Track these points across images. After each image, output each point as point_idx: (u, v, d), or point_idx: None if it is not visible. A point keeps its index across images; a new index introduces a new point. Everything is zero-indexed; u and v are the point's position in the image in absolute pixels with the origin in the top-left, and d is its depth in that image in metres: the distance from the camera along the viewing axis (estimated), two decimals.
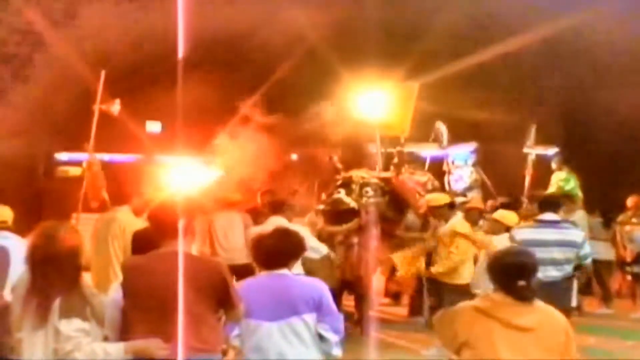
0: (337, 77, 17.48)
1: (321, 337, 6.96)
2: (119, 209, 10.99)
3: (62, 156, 19.14)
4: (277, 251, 7.11)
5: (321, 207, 14.79)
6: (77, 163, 16.02)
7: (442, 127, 17.79)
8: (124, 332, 6.23)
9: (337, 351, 7.10)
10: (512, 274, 6.02)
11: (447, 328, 6.28)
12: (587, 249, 11.40)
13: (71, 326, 5.80)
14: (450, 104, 18.85)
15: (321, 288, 7.11)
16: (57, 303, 5.85)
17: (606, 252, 16.93)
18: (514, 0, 19.67)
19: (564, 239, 11.15)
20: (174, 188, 12.85)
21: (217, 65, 20.02)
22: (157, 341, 5.98)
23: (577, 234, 11.49)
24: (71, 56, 17.28)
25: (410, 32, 19.78)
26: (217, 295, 6.36)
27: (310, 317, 6.92)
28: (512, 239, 11.15)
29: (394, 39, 19.34)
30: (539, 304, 6.08)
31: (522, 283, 5.98)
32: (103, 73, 14.75)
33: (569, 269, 11.21)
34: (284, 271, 7.09)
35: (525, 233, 11.25)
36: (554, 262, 10.92)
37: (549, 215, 11.35)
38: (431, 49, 19.13)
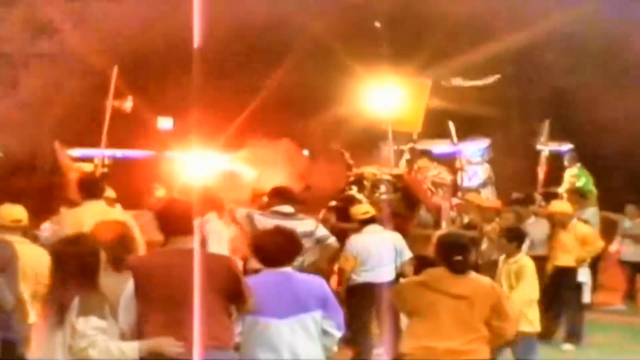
0: (350, 72, 17.44)
1: (325, 333, 7.00)
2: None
3: (74, 152, 19.09)
4: (281, 249, 7.10)
5: (333, 203, 14.74)
6: (89, 159, 15.98)
7: (450, 125, 17.72)
8: (137, 329, 6.22)
9: (336, 346, 7.32)
10: (450, 250, 7.29)
11: (399, 298, 7.78)
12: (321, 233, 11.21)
13: (88, 324, 5.83)
14: (463, 100, 18.80)
15: (324, 284, 7.24)
16: (76, 301, 5.86)
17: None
18: None
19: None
20: (185, 184, 12.83)
21: (228, 59, 19.97)
22: (171, 339, 5.97)
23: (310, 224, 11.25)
24: (83, 51, 17.29)
25: (422, 28, 19.72)
26: (229, 290, 6.37)
27: (317, 314, 6.95)
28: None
29: (407, 35, 19.30)
30: (472, 275, 7.38)
31: (458, 258, 7.24)
32: (115, 69, 14.75)
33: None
34: (287, 269, 7.08)
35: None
36: None
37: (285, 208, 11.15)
38: (444, 44, 19.07)
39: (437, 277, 7.28)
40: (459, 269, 7.26)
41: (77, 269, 6.00)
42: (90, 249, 6.12)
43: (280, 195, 11.37)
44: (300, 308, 6.90)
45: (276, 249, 7.08)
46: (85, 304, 5.88)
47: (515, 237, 11.12)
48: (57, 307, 5.93)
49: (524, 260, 10.89)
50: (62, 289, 5.98)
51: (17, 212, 9.17)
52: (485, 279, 7.50)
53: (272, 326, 6.83)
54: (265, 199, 12.00)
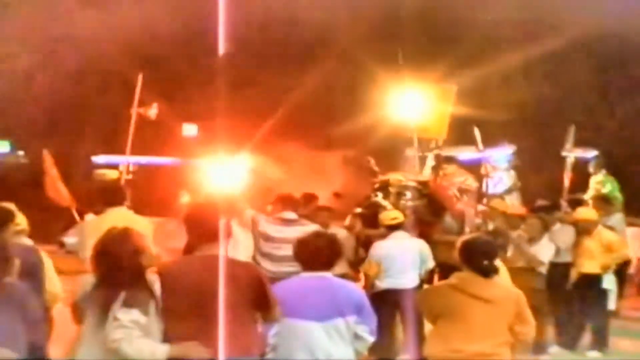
0: (375, 79, 17.43)
1: (358, 337, 7.14)
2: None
3: (99, 159, 19.17)
4: (321, 254, 7.23)
5: (359, 210, 14.72)
6: (114, 166, 16.04)
7: (476, 131, 17.65)
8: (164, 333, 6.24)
9: (365, 350, 7.52)
10: (479, 255, 7.39)
11: (427, 301, 7.95)
12: None
13: (128, 316, 5.86)
14: (488, 106, 18.75)
15: (361, 291, 7.50)
16: (122, 295, 5.90)
17: None
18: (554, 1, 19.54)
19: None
20: (211, 191, 12.84)
21: (253, 66, 20.02)
22: (198, 344, 5.98)
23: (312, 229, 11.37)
24: (108, 59, 17.36)
25: (448, 34, 19.70)
26: (254, 297, 6.39)
27: (351, 319, 7.08)
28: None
29: (432, 41, 19.28)
30: (497, 279, 7.55)
31: (486, 262, 7.37)
32: (140, 76, 14.79)
33: None
34: (326, 273, 7.21)
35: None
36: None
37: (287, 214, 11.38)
38: (469, 51, 19.04)
39: (467, 280, 7.37)
40: (487, 274, 7.37)
41: (126, 264, 6.06)
42: (139, 245, 6.18)
43: (282, 202, 11.71)
44: (337, 312, 7.05)
45: (316, 253, 7.23)
46: (130, 298, 5.92)
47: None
48: (101, 305, 5.98)
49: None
50: (109, 285, 6.03)
51: (20, 217, 9.22)
52: (508, 284, 7.88)
53: (309, 328, 6.96)
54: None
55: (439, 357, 7.34)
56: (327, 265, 7.23)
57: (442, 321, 7.45)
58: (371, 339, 7.27)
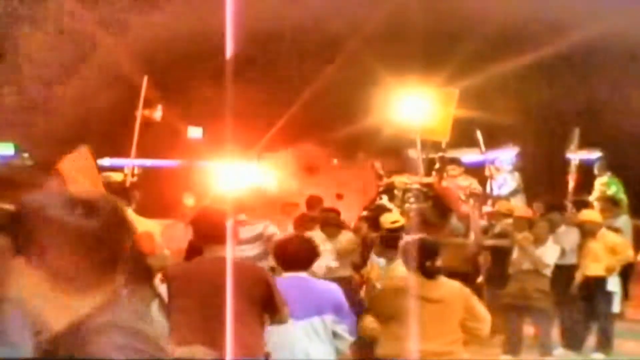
0: (378, 82, 17.44)
1: (337, 336, 7.39)
2: None
3: (104, 162, 19.18)
4: (299, 255, 7.45)
5: (364, 213, 14.74)
6: (119, 169, 16.05)
7: (478, 134, 17.66)
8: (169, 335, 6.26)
9: (346, 350, 7.75)
10: (421, 256, 7.42)
11: (376, 304, 8.00)
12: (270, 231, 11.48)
13: None
14: (490, 109, 18.75)
15: (339, 291, 7.63)
16: (124, 292, 5.90)
17: None
18: (555, 4, 19.54)
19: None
20: (218, 194, 12.87)
21: (258, 69, 20.03)
22: (203, 348, 5.99)
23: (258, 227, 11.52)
24: (113, 62, 17.37)
25: (450, 37, 19.71)
26: (262, 300, 6.46)
27: (329, 318, 7.30)
28: None
29: (435, 44, 19.28)
30: (443, 279, 7.59)
31: (428, 263, 7.43)
32: (145, 79, 14.79)
33: None
34: (304, 274, 7.43)
35: None
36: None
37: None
38: (471, 54, 19.04)
39: (412, 282, 7.42)
40: (431, 274, 7.46)
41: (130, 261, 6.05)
42: (142, 243, 6.21)
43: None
44: (315, 311, 7.24)
45: (295, 254, 7.43)
46: (133, 294, 5.91)
47: (394, 243, 10.60)
48: None
49: (399, 268, 10.53)
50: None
51: None
52: (454, 283, 7.72)
53: (289, 327, 7.02)
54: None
55: (391, 357, 7.44)
56: (305, 265, 7.43)
57: (392, 323, 7.48)
58: (351, 338, 7.53)
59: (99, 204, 2.87)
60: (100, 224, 2.80)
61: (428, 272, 7.44)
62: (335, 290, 7.61)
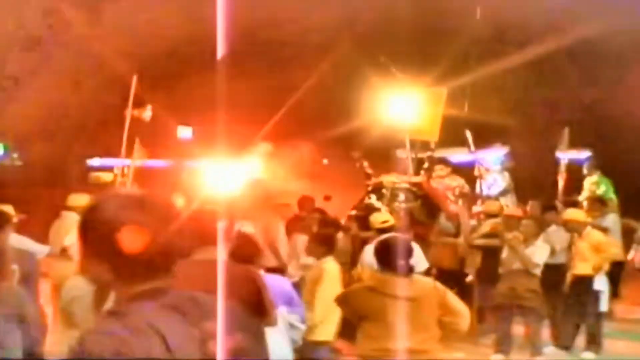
0: (367, 82, 17.41)
1: (291, 326, 7.75)
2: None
3: (94, 162, 19.13)
4: (242, 250, 7.40)
5: (353, 212, 14.74)
6: (109, 169, 16.02)
7: (467, 133, 17.67)
8: None
9: (300, 340, 8.01)
10: (392, 255, 7.38)
11: (347, 304, 7.84)
12: None
13: None
14: (479, 108, 18.74)
15: (288, 283, 8.04)
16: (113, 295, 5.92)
17: None
18: (542, 3, 19.56)
19: None
20: (207, 194, 12.83)
21: (247, 69, 20.01)
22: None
23: None
24: (102, 60, 17.33)
25: (438, 37, 19.71)
26: (252, 302, 6.36)
27: (282, 309, 7.55)
28: None
29: (423, 44, 19.29)
30: (415, 277, 7.66)
31: (402, 262, 7.35)
32: (135, 78, 14.75)
33: None
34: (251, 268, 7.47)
35: None
36: None
37: None
38: (459, 54, 19.03)
39: (384, 282, 7.44)
40: (403, 272, 7.41)
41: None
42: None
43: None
44: None
45: (239, 249, 7.37)
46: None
47: (324, 241, 10.67)
48: (95, 306, 5.98)
49: (325, 265, 10.10)
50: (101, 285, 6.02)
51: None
52: (427, 280, 7.90)
53: None
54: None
55: (369, 356, 7.46)
56: (250, 260, 7.33)
57: (367, 323, 7.50)
58: (303, 326, 7.85)
59: None
60: None
61: (400, 271, 7.40)
62: (284, 283, 7.92)
